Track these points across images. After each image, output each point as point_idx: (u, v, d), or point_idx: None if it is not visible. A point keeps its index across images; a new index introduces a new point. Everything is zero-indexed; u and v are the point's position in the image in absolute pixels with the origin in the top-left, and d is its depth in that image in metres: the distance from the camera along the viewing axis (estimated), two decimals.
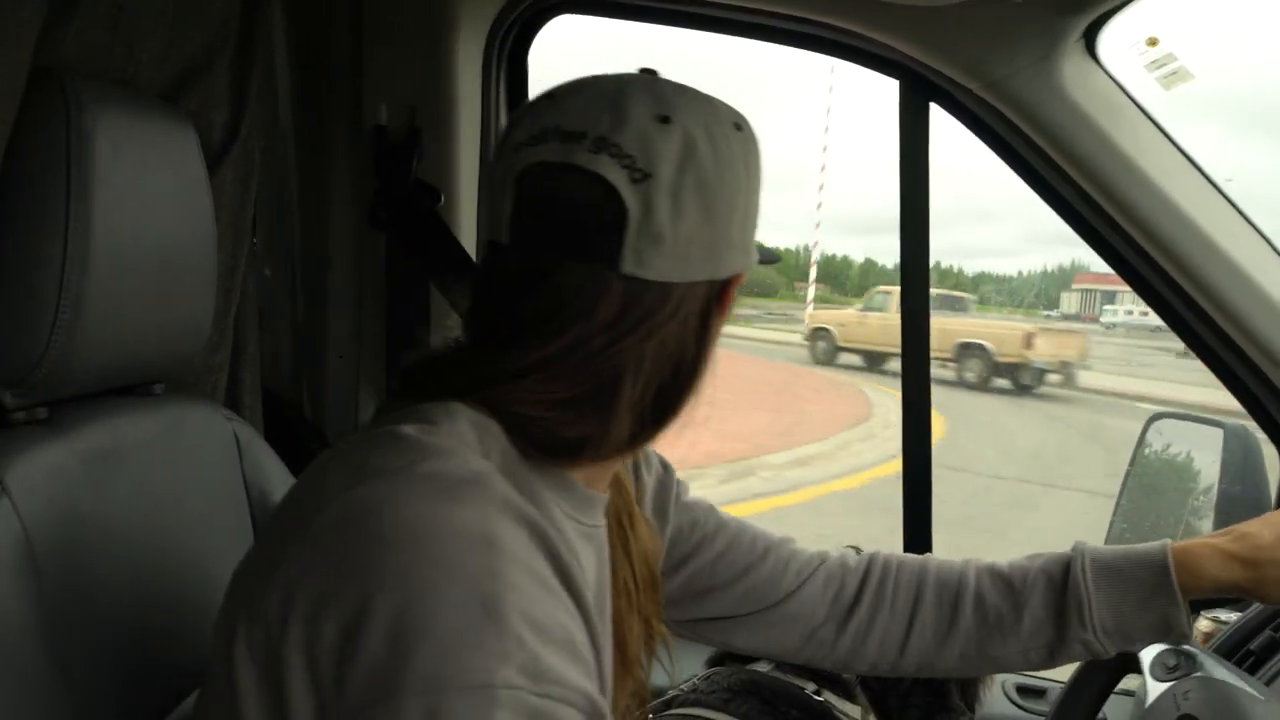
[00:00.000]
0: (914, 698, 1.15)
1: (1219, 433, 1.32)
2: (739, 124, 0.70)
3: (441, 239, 1.40)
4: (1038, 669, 0.98)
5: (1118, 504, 1.45)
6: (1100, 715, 1.03)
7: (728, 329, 0.75)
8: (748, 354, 13.68)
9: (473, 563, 0.55)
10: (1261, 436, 1.27)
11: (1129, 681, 1.04)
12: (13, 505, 0.75)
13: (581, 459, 0.70)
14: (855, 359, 14.11)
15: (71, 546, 0.80)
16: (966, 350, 12.04)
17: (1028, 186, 1.34)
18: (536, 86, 1.51)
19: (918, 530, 1.47)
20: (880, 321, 13.69)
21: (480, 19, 1.41)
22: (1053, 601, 0.92)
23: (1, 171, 0.80)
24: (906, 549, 1.43)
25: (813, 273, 22.31)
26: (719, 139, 0.67)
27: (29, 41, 0.81)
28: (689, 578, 0.96)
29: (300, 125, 1.46)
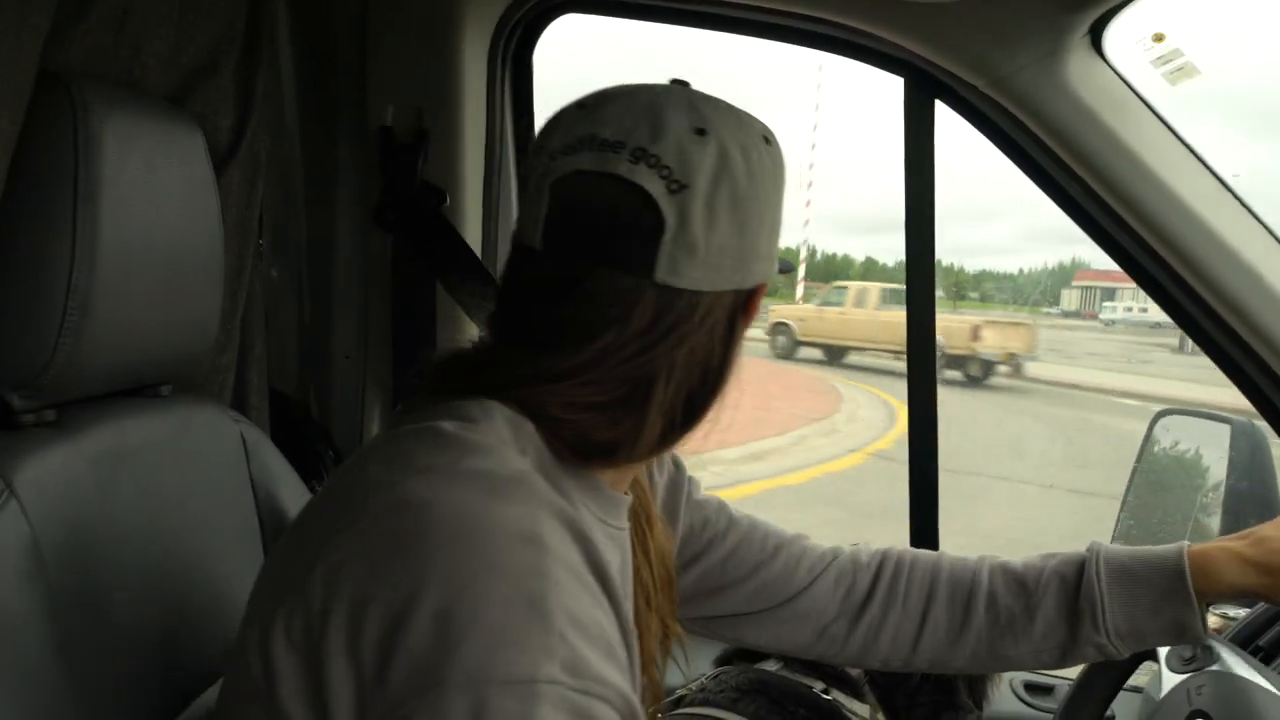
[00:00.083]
0: (922, 695, 1.15)
1: (1226, 429, 1.32)
2: (767, 137, 0.71)
3: (447, 239, 1.40)
4: (1049, 669, 0.98)
5: (1124, 500, 1.45)
6: (1109, 712, 1.03)
7: None
8: None
9: (519, 560, 0.57)
10: (1270, 433, 1.27)
11: (1138, 678, 1.04)
12: (21, 507, 0.75)
13: (615, 461, 0.71)
14: (816, 353, 14.46)
15: (79, 548, 0.81)
16: None
17: (1033, 183, 1.34)
18: (540, 86, 1.52)
19: (925, 528, 1.47)
20: (838, 316, 14.13)
21: (485, 19, 1.41)
22: (1066, 603, 0.92)
23: (9, 175, 0.80)
24: (913, 545, 1.43)
25: (801, 270, 22.44)
26: (751, 152, 0.68)
27: (36, 46, 0.82)
28: (700, 576, 0.97)
29: (306, 126, 1.46)
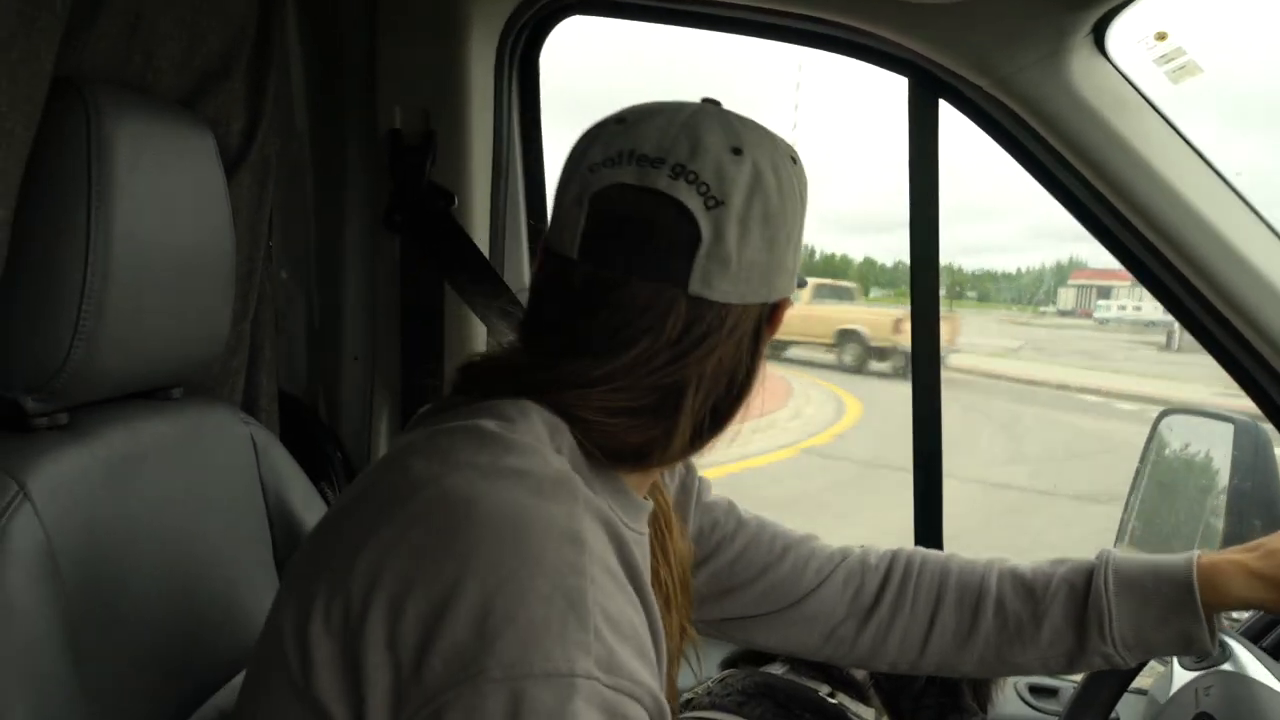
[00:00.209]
0: (927, 698, 1.15)
1: (1229, 428, 1.32)
2: (794, 157, 0.73)
3: (455, 241, 1.40)
4: (1057, 675, 0.98)
5: (1128, 501, 1.45)
6: (1113, 715, 1.03)
7: None
8: None
9: (559, 557, 0.58)
10: (1273, 431, 1.27)
11: (1142, 680, 1.04)
12: (34, 510, 0.76)
13: (647, 463, 0.73)
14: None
15: (92, 550, 0.81)
16: (845, 336, 12.38)
17: (1037, 182, 1.34)
18: (547, 88, 1.52)
19: (928, 528, 1.48)
20: None
21: (493, 21, 1.42)
22: (1073, 612, 0.92)
23: (24, 180, 0.81)
24: (918, 544, 1.43)
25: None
26: (781, 171, 0.71)
27: (50, 51, 0.82)
28: (709, 578, 0.97)
29: (315, 128, 1.47)
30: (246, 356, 1.23)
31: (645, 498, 0.78)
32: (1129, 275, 1.30)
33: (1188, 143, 1.23)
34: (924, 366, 1.46)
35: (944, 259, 1.47)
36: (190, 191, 0.96)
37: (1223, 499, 1.29)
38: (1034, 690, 1.45)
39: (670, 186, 0.68)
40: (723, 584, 0.98)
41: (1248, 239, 1.21)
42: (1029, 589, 0.94)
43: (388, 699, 0.56)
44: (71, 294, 0.81)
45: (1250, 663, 0.94)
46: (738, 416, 0.75)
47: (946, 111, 1.36)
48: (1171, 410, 1.48)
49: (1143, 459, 1.45)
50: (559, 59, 1.53)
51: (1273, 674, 0.92)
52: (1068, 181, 1.30)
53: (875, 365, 12.19)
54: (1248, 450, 1.28)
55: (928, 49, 1.29)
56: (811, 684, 1.19)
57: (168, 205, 0.91)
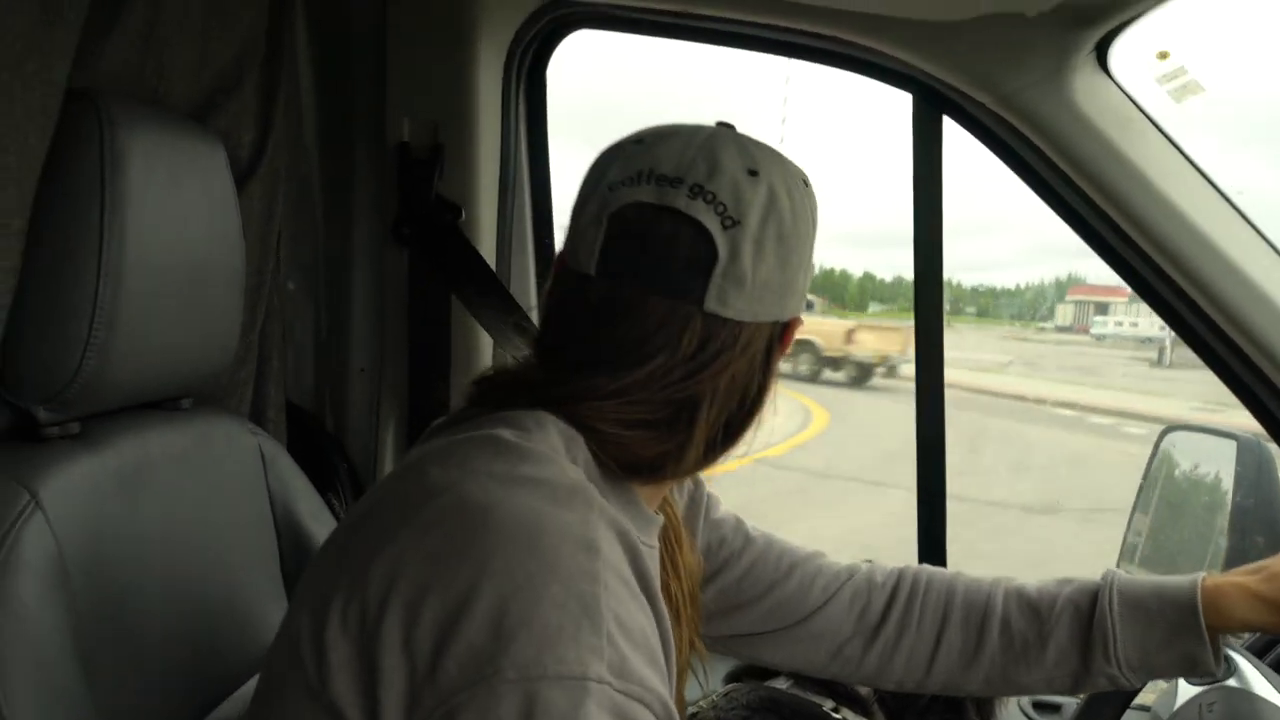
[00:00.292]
0: (931, 715, 1.15)
1: (1232, 445, 1.32)
2: (805, 180, 0.75)
3: (462, 253, 1.41)
4: (1062, 695, 0.98)
5: (1131, 518, 1.45)
6: None
7: None
8: None
9: (575, 564, 0.59)
10: (1275, 449, 1.27)
11: (1145, 696, 1.04)
12: (46, 519, 0.77)
13: (661, 476, 0.74)
14: None
15: (102, 558, 0.82)
16: (799, 346, 12.60)
17: (1039, 198, 1.34)
18: (553, 101, 1.53)
19: (932, 543, 1.48)
20: None
21: (501, 35, 1.43)
22: (1078, 633, 0.92)
23: (37, 192, 0.81)
24: (921, 561, 1.43)
25: None
26: (794, 193, 0.73)
27: (65, 64, 0.83)
28: (716, 594, 0.98)
29: (324, 141, 1.48)
30: (254, 367, 1.24)
31: (656, 512, 0.79)
32: (1126, 291, 1.30)
33: (1189, 159, 1.24)
34: (928, 386, 1.45)
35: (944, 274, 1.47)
36: (201, 204, 0.96)
37: (1226, 515, 1.29)
38: (1037, 706, 1.44)
39: (689, 206, 0.69)
40: (729, 600, 0.98)
41: (1249, 256, 1.21)
42: (1034, 609, 0.94)
43: (402, 701, 0.57)
44: (84, 305, 0.82)
45: (1255, 678, 0.94)
46: (749, 432, 0.77)
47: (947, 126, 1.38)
48: (1174, 427, 1.48)
49: (1146, 476, 1.45)
50: (564, 71, 1.54)
51: (1277, 689, 0.92)
52: (1070, 198, 1.30)
53: (829, 374, 12.43)
54: (1250, 467, 1.28)
55: (932, 66, 1.30)
56: (816, 699, 1.19)
57: (179, 217, 0.92)
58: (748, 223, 0.70)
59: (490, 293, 1.40)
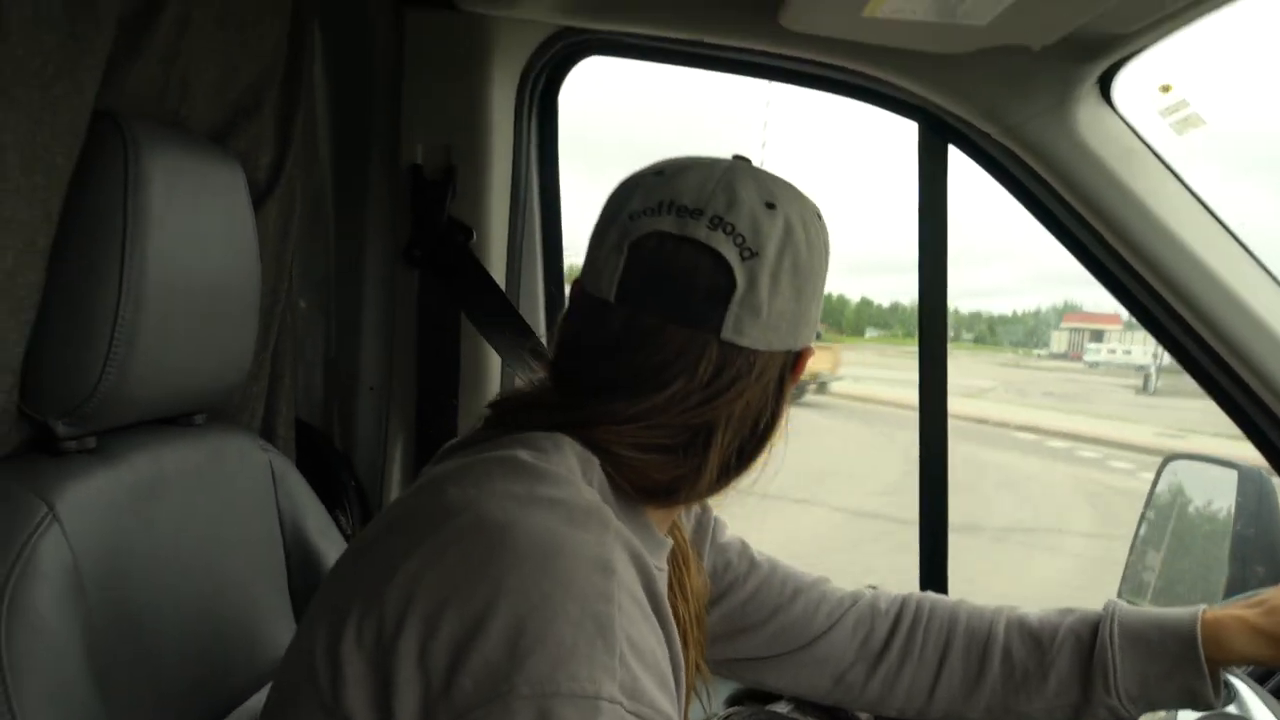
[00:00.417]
0: None
1: (1234, 475, 1.33)
2: (819, 213, 0.77)
3: (473, 275, 1.43)
4: None
5: (1133, 545, 1.45)
6: None
7: None
8: None
9: (591, 585, 0.60)
10: (1275, 479, 1.28)
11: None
12: (63, 531, 0.78)
13: (675, 499, 0.75)
14: None
15: (115, 571, 0.83)
16: None
17: (1043, 228, 1.36)
18: (565, 126, 1.56)
19: (933, 567, 1.48)
20: None
21: (514, 61, 1.45)
22: (1079, 664, 0.93)
23: (62, 211, 0.83)
24: (923, 588, 1.44)
25: None
26: (809, 226, 0.74)
27: (92, 86, 0.85)
28: (720, 618, 0.98)
29: (338, 162, 1.49)
30: (266, 384, 1.25)
31: (665, 535, 0.80)
32: (1121, 319, 1.31)
33: (1191, 191, 1.26)
34: (931, 415, 1.46)
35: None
36: (221, 224, 0.98)
37: (1227, 545, 1.30)
38: None
39: (709, 237, 0.71)
40: (734, 625, 0.99)
41: (1251, 287, 1.22)
42: (1036, 639, 0.95)
43: (416, 716, 0.57)
44: (105, 322, 0.83)
45: (1255, 705, 0.94)
46: (761, 457, 0.78)
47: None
48: (1176, 456, 1.48)
49: (1147, 504, 1.46)
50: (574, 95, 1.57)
51: (1277, 716, 0.92)
52: (1073, 227, 1.32)
53: None
54: (1251, 497, 1.29)
55: (938, 96, 1.32)
56: None
57: (199, 237, 0.94)
58: (765, 254, 0.71)
59: (500, 314, 1.41)
